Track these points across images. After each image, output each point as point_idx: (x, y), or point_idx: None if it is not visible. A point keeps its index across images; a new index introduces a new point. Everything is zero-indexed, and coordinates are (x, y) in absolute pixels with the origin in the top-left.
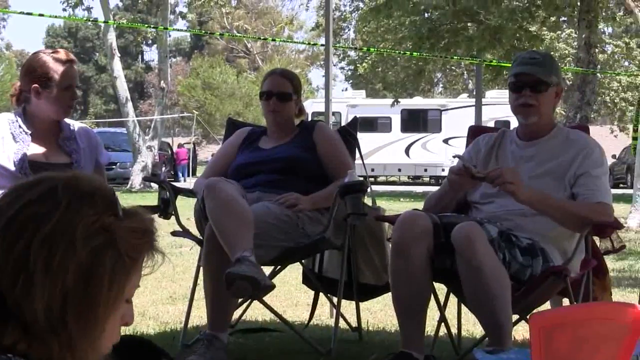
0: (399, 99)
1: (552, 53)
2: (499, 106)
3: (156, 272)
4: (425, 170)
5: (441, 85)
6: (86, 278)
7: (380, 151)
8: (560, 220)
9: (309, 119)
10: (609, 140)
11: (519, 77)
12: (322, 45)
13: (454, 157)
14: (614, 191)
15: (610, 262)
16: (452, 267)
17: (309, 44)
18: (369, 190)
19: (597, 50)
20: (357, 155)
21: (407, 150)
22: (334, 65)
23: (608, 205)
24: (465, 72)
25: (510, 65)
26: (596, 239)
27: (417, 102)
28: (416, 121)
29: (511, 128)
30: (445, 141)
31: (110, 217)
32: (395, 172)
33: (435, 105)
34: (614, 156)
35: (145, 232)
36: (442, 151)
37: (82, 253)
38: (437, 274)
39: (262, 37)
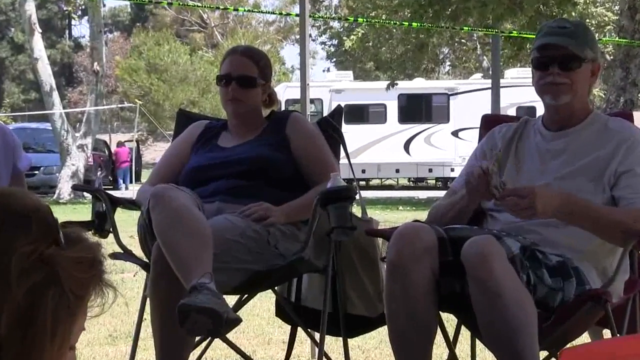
0: (396, 82)
1: (587, 20)
2: (521, 88)
3: None
4: (430, 170)
5: (448, 63)
6: (24, 323)
7: (372, 147)
8: (599, 232)
9: (282, 108)
10: None
11: (545, 50)
12: (297, 15)
13: (482, 169)
14: None
15: None
16: (462, 292)
17: (280, 13)
18: (357, 197)
19: None
20: (343, 153)
21: (406, 146)
22: (313, 40)
23: None
24: (478, 47)
25: (534, 36)
26: None
27: (418, 84)
28: (418, 109)
29: (537, 117)
30: (455, 134)
31: (50, 246)
32: (393, 174)
33: (442, 88)
34: None
35: (92, 263)
36: (450, 146)
37: (18, 293)
38: (444, 301)
39: (220, 7)
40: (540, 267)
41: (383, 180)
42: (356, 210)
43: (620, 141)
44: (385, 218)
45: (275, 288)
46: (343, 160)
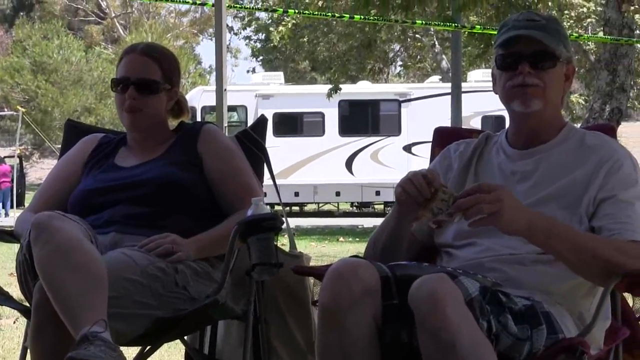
0: (339, 86)
1: (566, 12)
2: (488, 94)
3: None
4: (378, 193)
5: (400, 63)
6: None
7: (308, 165)
8: (581, 265)
9: (199, 117)
10: None
11: (512, 45)
12: (213, 5)
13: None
14: None
15: None
16: (410, 342)
17: (194, 3)
18: (284, 226)
19: (632, 6)
20: (268, 173)
21: (349, 164)
22: (234, 34)
23: None
24: (436, 43)
25: None
26: (628, 297)
27: (363, 89)
28: (362, 119)
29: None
30: (407, 149)
31: None
32: (332, 198)
33: (392, 94)
34: None
35: None
36: (402, 164)
37: None
38: (388, 352)
39: None
40: (504, 312)
41: (321, 205)
42: (283, 243)
43: (599, 161)
44: (322, 252)
45: (185, 338)
46: (269, 181)
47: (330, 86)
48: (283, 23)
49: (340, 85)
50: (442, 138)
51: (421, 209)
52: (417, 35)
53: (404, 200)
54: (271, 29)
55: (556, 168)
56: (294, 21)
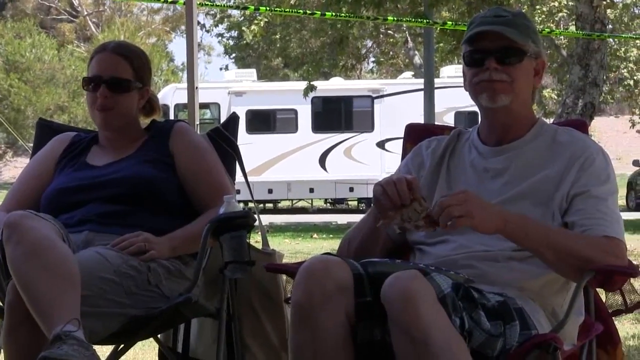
0: (314, 84)
1: (538, 7)
2: (460, 90)
3: None
4: (351, 190)
5: (372, 59)
6: None
7: (281, 162)
8: (552, 261)
9: (172, 115)
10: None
11: (479, 41)
12: (184, 2)
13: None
14: (636, 216)
15: (626, 326)
16: (383, 339)
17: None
18: (256, 224)
19: (604, 1)
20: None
21: (322, 160)
22: (207, 32)
23: (618, 240)
24: (409, 39)
25: None
26: (601, 292)
27: (336, 85)
28: (335, 115)
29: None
30: (381, 145)
31: None
32: (306, 194)
33: (365, 90)
34: (636, 162)
35: None
36: (375, 160)
37: None
38: (361, 350)
39: None
40: (477, 308)
41: (294, 202)
42: (256, 240)
43: (571, 158)
44: (296, 248)
45: (159, 336)
46: (242, 178)
47: (303, 83)
48: (255, 21)
49: (314, 82)
50: (414, 134)
51: (393, 211)
52: (389, 32)
53: (381, 200)
54: (244, 28)
55: (528, 165)
56: (266, 19)
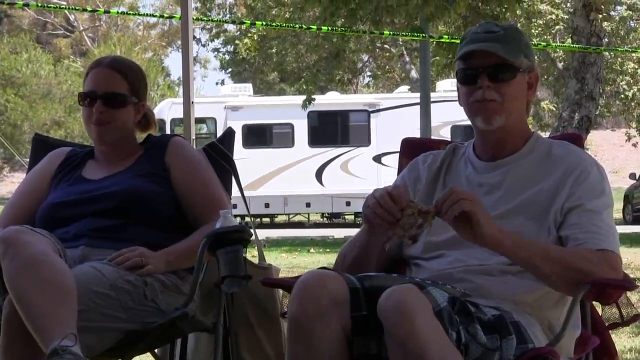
0: (313, 97)
1: (534, 20)
2: (457, 104)
3: None
4: (348, 204)
5: (369, 73)
6: None
7: (278, 176)
8: (545, 275)
9: (168, 130)
10: (626, 151)
11: (470, 59)
12: (180, 17)
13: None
14: (633, 229)
15: (623, 339)
16: (379, 353)
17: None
18: (252, 238)
19: (601, 15)
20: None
21: (318, 174)
22: (203, 46)
23: (613, 254)
24: (405, 53)
25: None
26: (597, 306)
27: (332, 99)
28: (332, 129)
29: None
30: (377, 159)
31: None
32: (302, 209)
33: (361, 104)
34: (632, 176)
35: None
36: (372, 174)
37: None
38: None
39: (88, 8)
40: (473, 322)
41: (291, 216)
42: (252, 255)
43: (566, 171)
44: (293, 263)
45: (155, 351)
46: (237, 193)
47: (300, 97)
48: (249, 35)
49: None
50: (410, 148)
51: (392, 228)
52: (385, 46)
53: (374, 222)
54: (237, 41)
55: (523, 179)
56: (259, 33)
